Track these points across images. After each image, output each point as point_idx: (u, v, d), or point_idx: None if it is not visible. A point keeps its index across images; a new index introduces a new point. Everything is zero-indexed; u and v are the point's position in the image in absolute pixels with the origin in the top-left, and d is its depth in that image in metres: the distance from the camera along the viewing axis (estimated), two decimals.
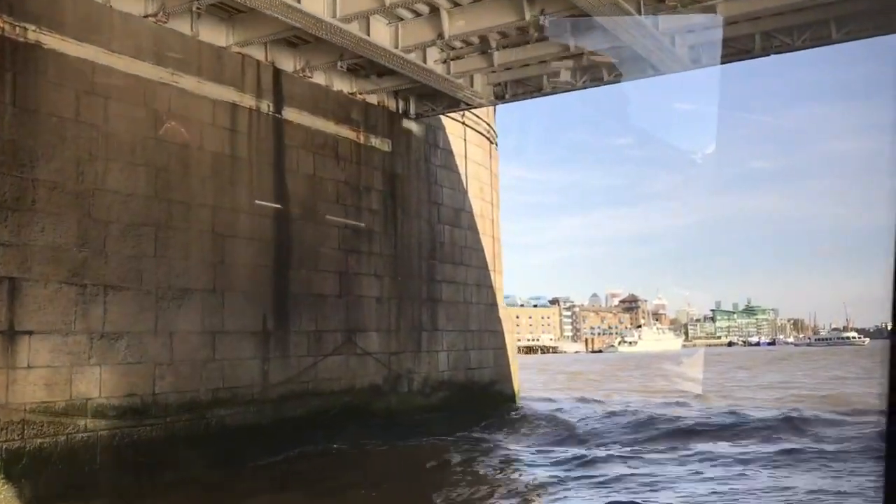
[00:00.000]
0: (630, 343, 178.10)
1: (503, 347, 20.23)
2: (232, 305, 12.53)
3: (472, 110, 19.26)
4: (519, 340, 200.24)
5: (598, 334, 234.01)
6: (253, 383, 12.80)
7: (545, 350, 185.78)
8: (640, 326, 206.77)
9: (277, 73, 13.84)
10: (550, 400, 26.53)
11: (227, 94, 12.82)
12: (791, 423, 17.25)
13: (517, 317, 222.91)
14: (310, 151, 14.34)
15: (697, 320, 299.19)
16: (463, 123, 18.87)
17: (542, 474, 12.38)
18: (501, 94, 16.05)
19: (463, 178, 18.72)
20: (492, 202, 20.36)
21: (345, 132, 15.16)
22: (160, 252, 11.50)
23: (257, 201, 13.16)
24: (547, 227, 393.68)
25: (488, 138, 20.40)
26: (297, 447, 13.01)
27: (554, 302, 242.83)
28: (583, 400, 26.01)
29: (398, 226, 16.29)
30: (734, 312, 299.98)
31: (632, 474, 12.00)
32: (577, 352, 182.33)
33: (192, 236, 12.03)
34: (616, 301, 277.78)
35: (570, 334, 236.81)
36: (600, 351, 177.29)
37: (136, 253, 11.16)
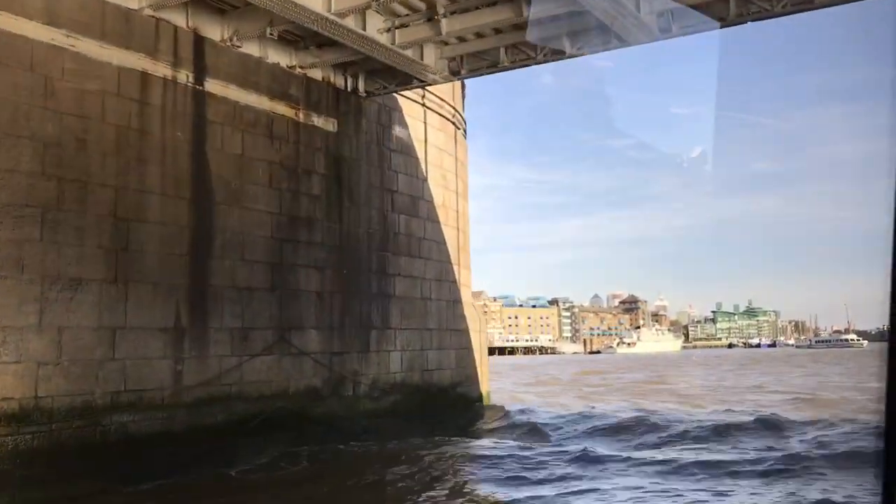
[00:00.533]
0: (629, 344, 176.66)
1: (468, 347, 18.81)
2: (137, 298, 11.12)
3: (435, 93, 17.88)
4: (517, 341, 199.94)
5: (598, 335, 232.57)
6: (162, 386, 11.39)
7: (543, 351, 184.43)
8: (638, 328, 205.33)
9: (200, 40, 12.43)
10: (524, 403, 25.17)
11: (136, 61, 11.42)
12: (721, 431, 16.12)
13: (515, 317, 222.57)
14: (238, 129, 12.94)
15: (698, 321, 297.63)
16: (423, 105, 17.46)
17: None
18: (457, 70, 14.64)
19: (422, 163, 17.31)
20: (457, 191, 18.95)
21: (281, 109, 13.75)
22: (48, 237, 10.10)
23: (172, 182, 11.76)
24: (549, 228, 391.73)
25: (453, 123, 18.99)
26: (212, 459, 11.60)
27: (553, 302, 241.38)
28: (561, 405, 24.63)
29: (344, 213, 14.87)
30: (735, 314, 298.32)
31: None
32: (575, 353, 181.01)
33: (89, 220, 10.62)
34: (617, 302, 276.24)
35: (569, 335, 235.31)
36: (598, 352, 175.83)
37: (17, 237, 9.76)
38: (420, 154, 17.22)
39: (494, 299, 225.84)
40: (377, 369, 15.35)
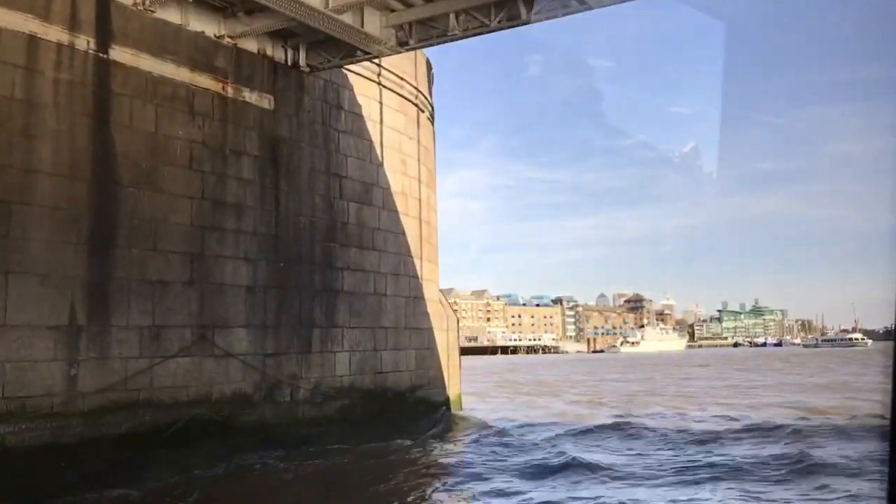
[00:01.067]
0: (632, 343, 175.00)
1: (431, 348, 17.37)
2: (20, 291, 9.73)
3: (394, 71, 16.45)
4: (520, 340, 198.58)
5: (602, 334, 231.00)
6: (52, 392, 9.99)
7: (546, 350, 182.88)
8: (642, 326, 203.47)
9: (105, 3, 11.02)
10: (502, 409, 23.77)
11: (21, 22, 10.01)
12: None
13: (518, 316, 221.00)
14: (151, 103, 11.52)
15: (704, 321, 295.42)
16: (378, 84, 16.02)
17: None
18: (405, 40, 13.19)
19: (377, 147, 15.87)
20: (419, 179, 17.50)
21: (205, 82, 12.34)
22: None
23: (66, 161, 10.35)
24: (556, 227, 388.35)
25: (416, 104, 17.54)
26: (113, 476, 10.19)
27: (557, 301, 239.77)
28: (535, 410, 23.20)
29: (281, 199, 13.45)
30: (741, 313, 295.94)
31: None
32: (578, 352, 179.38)
33: None
34: (622, 301, 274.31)
35: (573, 334, 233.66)
36: (602, 351, 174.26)
37: None
38: (374, 136, 15.79)
39: (497, 298, 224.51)
40: (321, 372, 13.93)
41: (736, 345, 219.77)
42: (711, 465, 12.29)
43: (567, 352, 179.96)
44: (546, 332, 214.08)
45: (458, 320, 21.18)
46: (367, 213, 15.41)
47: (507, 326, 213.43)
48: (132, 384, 10.89)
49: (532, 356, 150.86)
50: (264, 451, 12.26)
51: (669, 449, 14.42)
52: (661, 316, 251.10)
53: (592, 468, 12.95)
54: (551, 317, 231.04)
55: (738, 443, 15.05)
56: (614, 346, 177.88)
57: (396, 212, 16.32)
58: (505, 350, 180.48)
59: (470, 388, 32.70)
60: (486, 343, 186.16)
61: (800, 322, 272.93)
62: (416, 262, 17.01)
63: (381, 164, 15.93)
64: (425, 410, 16.74)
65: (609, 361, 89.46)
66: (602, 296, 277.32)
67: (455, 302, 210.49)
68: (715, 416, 20.31)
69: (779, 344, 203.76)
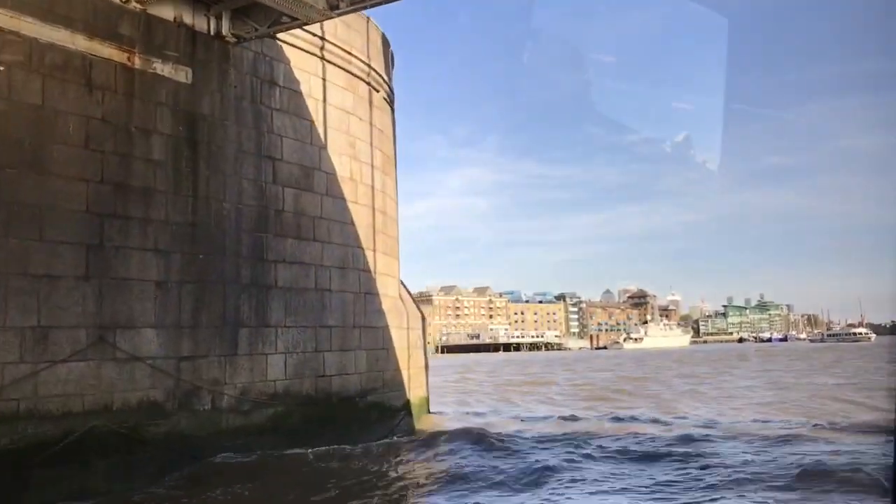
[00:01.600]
0: (635, 340, 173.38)
1: (387, 348, 15.95)
2: None
3: (341, 45, 15.02)
4: (522, 337, 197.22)
5: (606, 330, 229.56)
6: None
7: (549, 347, 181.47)
8: (645, 322, 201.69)
9: None
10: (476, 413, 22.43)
11: None
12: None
13: (521, 313, 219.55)
14: (37, 73, 10.12)
15: (709, 316, 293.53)
16: (321, 58, 14.58)
17: None
18: (335, 4, 11.76)
19: (319, 127, 14.44)
20: (372, 164, 16.06)
21: (105, 51, 10.92)
22: None
23: None
24: (563, 224, 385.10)
25: (368, 83, 16.10)
26: None
27: (560, 298, 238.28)
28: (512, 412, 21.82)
29: (200, 184, 12.03)
30: (746, 308, 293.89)
31: None
32: (581, 348, 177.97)
33: None
34: (626, 297, 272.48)
35: (577, 331, 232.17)
36: (605, 347, 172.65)
37: None
38: (316, 116, 14.36)
39: (500, 295, 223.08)
40: (249, 376, 12.52)
41: (741, 340, 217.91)
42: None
43: (570, 348, 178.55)
44: (549, 328, 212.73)
45: (423, 317, 19.78)
46: (307, 199, 13.99)
47: (509, 323, 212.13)
48: (11, 393, 9.50)
49: (535, 353, 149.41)
50: (175, 465, 10.91)
51: (649, 459, 13.00)
52: (665, 312, 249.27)
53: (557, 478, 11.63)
54: (554, 313, 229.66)
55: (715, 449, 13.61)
56: (617, 342, 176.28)
57: (343, 199, 14.89)
58: (508, 347, 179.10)
59: (450, 388, 31.33)
60: (488, 340, 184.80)
61: (805, 317, 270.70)
62: (369, 254, 15.58)
63: (324, 147, 14.50)
64: (379, 416, 15.32)
65: (611, 358, 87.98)
66: (608, 292, 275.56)
67: (457, 299, 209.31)
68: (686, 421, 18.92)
69: (784, 339, 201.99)
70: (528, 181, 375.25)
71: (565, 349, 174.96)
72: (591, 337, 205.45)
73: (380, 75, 16.87)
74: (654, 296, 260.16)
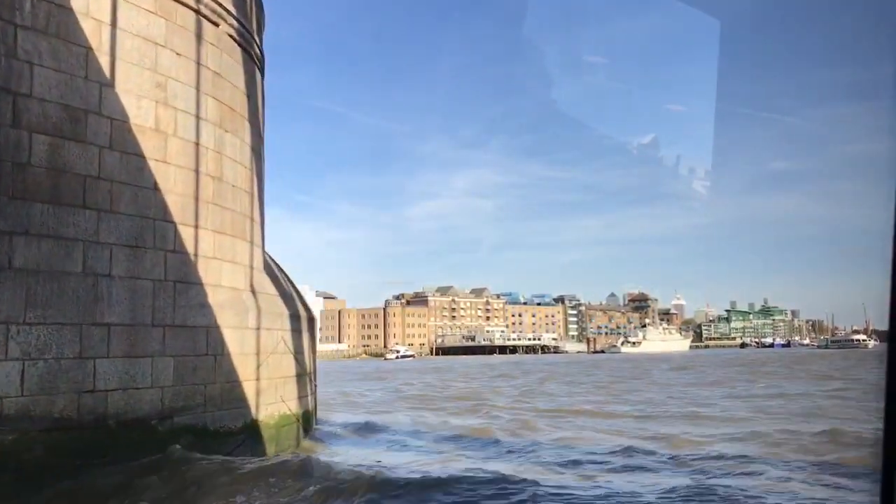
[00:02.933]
0: (633, 343, 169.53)
1: (215, 354, 12.25)
2: None
3: None
4: (519, 340, 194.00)
5: (606, 333, 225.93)
6: None
7: (546, 350, 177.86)
8: (644, 326, 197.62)
9: None
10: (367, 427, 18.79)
11: None
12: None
13: (519, 315, 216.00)
14: None
15: (712, 320, 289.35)
16: None
17: None
18: None
19: (102, 58, 10.77)
20: (199, 115, 12.37)
21: None
22: None
23: None
24: (569, 225, 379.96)
25: (197, 10, 12.41)
26: None
27: (559, 300, 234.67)
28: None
29: None
30: (750, 313, 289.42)
31: None
32: (578, 352, 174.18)
33: None
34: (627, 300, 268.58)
35: (576, 333, 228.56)
36: (602, 351, 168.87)
37: None
38: (96, 42, 10.69)
39: (498, 296, 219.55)
40: None
41: (743, 345, 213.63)
42: None
43: (567, 351, 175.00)
44: (547, 331, 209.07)
45: (307, 318, 16.15)
46: (74, 152, 10.31)
47: (507, 325, 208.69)
48: None
49: (529, 356, 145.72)
50: None
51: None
52: (666, 315, 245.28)
53: None
54: (553, 315, 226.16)
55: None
56: (615, 346, 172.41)
57: (141, 156, 11.21)
58: (504, 350, 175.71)
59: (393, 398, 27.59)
60: (483, 342, 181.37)
61: (810, 322, 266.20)
62: (186, 231, 11.90)
63: (109, 84, 10.83)
64: (196, 444, 11.60)
65: (600, 363, 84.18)
66: (612, 295, 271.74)
67: (453, 300, 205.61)
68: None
69: (787, 345, 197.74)
70: (535, 182, 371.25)
71: (562, 352, 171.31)
72: (588, 340, 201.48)
73: (224, 8, 13.20)
74: (656, 299, 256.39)
